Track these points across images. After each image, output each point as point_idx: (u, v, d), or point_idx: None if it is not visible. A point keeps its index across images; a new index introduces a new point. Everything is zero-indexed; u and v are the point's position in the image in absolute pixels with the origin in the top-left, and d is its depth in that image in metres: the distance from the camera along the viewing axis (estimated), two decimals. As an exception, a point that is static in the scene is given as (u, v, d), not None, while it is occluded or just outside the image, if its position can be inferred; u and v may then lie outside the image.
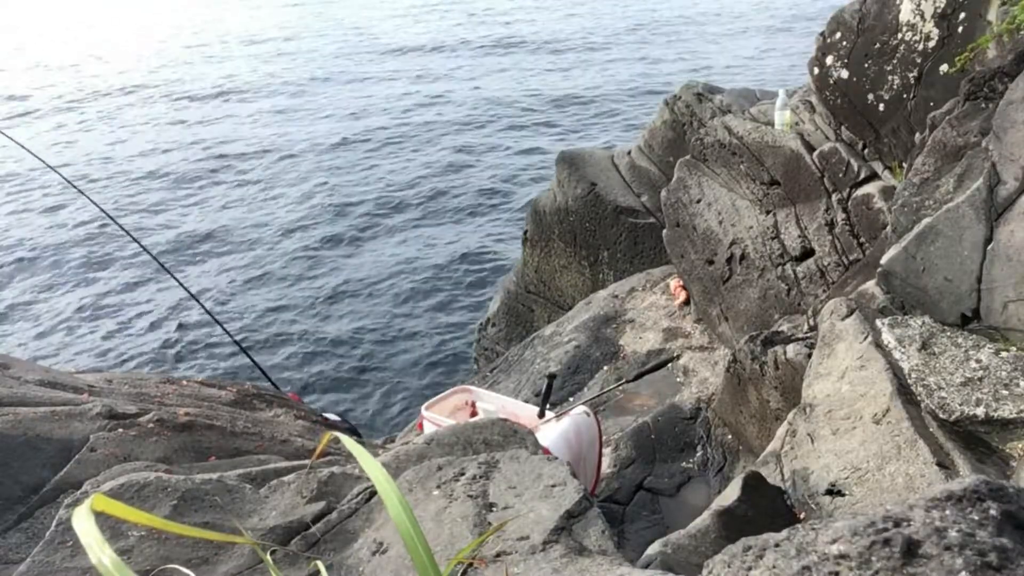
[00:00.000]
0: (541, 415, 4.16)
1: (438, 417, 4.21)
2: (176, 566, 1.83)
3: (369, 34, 31.16)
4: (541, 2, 34.90)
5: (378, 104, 21.44)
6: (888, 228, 3.57)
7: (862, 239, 4.71)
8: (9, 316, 11.80)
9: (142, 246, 5.98)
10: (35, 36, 38.60)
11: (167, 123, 21.00)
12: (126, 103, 23.46)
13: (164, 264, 6.10)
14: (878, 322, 3.02)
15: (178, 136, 19.73)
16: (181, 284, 5.89)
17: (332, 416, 5.23)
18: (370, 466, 0.83)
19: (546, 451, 2.77)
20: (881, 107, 4.66)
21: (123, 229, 6.06)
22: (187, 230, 14.24)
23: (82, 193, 6.15)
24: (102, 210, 6.11)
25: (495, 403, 4.45)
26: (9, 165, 17.36)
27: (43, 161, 6.09)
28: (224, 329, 5.82)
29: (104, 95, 24.39)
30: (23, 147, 5.90)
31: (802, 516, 2.64)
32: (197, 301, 5.90)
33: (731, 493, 2.71)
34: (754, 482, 2.72)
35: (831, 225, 4.88)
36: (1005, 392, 2.52)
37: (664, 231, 6.24)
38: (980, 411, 2.49)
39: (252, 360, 5.88)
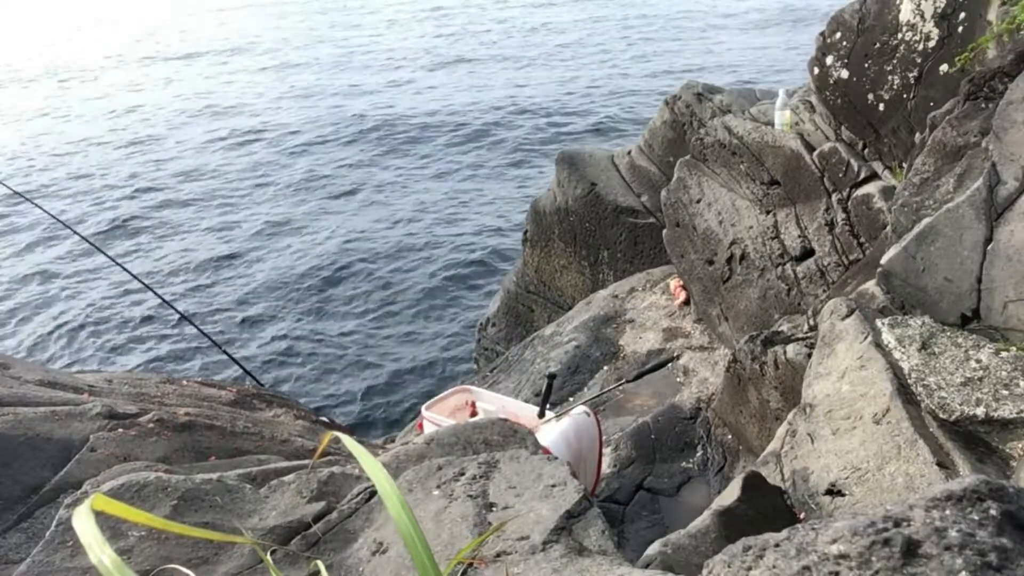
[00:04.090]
0: (541, 415, 4.16)
1: (438, 417, 4.21)
2: (176, 566, 1.83)
3: (367, 43, 31.04)
4: (538, 9, 34.88)
5: (377, 103, 21.44)
6: (888, 228, 3.57)
7: (862, 239, 4.70)
8: (9, 317, 11.80)
9: (129, 271, 5.96)
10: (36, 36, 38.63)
11: (158, 135, 20.92)
12: (108, 103, 23.43)
13: (149, 284, 6.10)
14: (878, 322, 3.02)
15: (173, 146, 19.71)
16: (168, 303, 5.89)
17: (324, 420, 5.23)
18: (370, 466, 0.83)
19: (546, 451, 2.77)
20: (881, 107, 4.66)
21: (111, 258, 6.03)
22: (184, 234, 14.24)
23: (59, 221, 6.16)
24: (84, 238, 6.11)
25: (495, 403, 4.45)
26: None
27: (22, 195, 6.13)
28: (214, 341, 5.81)
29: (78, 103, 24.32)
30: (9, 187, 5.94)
31: (802, 516, 2.64)
32: (187, 319, 5.89)
33: (731, 493, 2.71)
34: (754, 482, 2.71)
35: (831, 225, 4.88)
36: (1005, 392, 2.52)
37: (664, 231, 6.23)
38: (980, 411, 2.49)
39: (247, 372, 5.88)
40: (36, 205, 6.19)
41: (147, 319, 11.45)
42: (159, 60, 30.21)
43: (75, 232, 6.11)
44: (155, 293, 5.93)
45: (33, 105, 24.30)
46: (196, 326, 5.84)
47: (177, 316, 11.08)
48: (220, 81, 25.61)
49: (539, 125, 18.39)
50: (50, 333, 11.24)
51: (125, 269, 5.81)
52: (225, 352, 5.78)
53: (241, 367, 5.87)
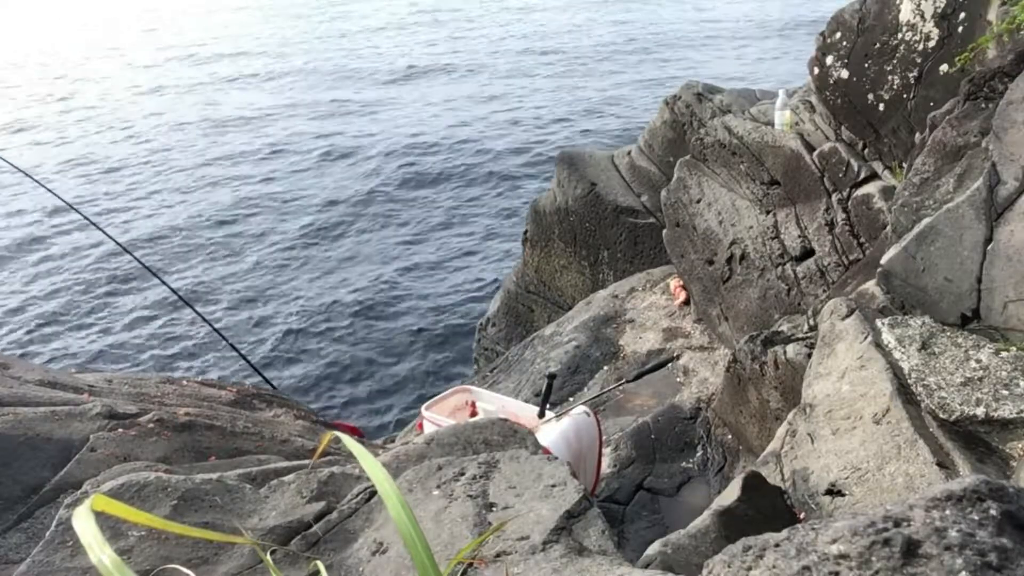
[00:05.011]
0: (541, 415, 4.16)
1: (438, 417, 4.21)
2: (176, 566, 1.83)
3: (367, 49, 30.90)
4: (542, 15, 34.82)
5: (379, 106, 21.43)
6: (888, 228, 3.57)
7: (862, 239, 4.70)
8: (9, 317, 11.80)
9: (146, 266, 5.94)
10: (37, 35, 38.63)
11: (162, 124, 20.98)
12: (115, 103, 23.45)
13: (162, 278, 6.06)
14: (878, 322, 3.02)
15: (174, 140, 19.71)
16: (179, 295, 5.87)
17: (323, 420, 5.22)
18: (371, 466, 0.83)
19: (546, 451, 2.77)
20: (881, 107, 4.66)
21: (131, 254, 5.99)
22: (186, 232, 14.25)
23: (75, 209, 6.12)
24: (101, 229, 6.06)
25: (495, 403, 4.44)
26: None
27: (36, 180, 6.10)
28: (222, 336, 5.80)
29: (95, 95, 24.37)
30: (12, 165, 5.88)
31: (802, 516, 2.64)
32: (196, 312, 5.88)
33: (731, 493, 2.71)
34: (754, 482, 2.71)
35: (831, 225, 4.88)
36: (1005, 392, 2.52)
37: (664, 231, 6.23)
38: (980, 411, 2.49)
39: (255, 368, 5.87)
40: (71, 206, 6.10)
41: (149, 317, 11.46)
42: (161, 61, 30.22)
43: (103, 231, 6.03)
44: (171, 288, 5.89)
45: (34, 106, 24.32)
46: (209, 323, 5.83)
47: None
48: (220, 87, 25.62)
49: (538, 130, 18.39)
50: (50, 332, 11.24)
51: (139, 261, 5.81)
52: (237, 351, 5.78)
53: (254, 368, 5.86)
